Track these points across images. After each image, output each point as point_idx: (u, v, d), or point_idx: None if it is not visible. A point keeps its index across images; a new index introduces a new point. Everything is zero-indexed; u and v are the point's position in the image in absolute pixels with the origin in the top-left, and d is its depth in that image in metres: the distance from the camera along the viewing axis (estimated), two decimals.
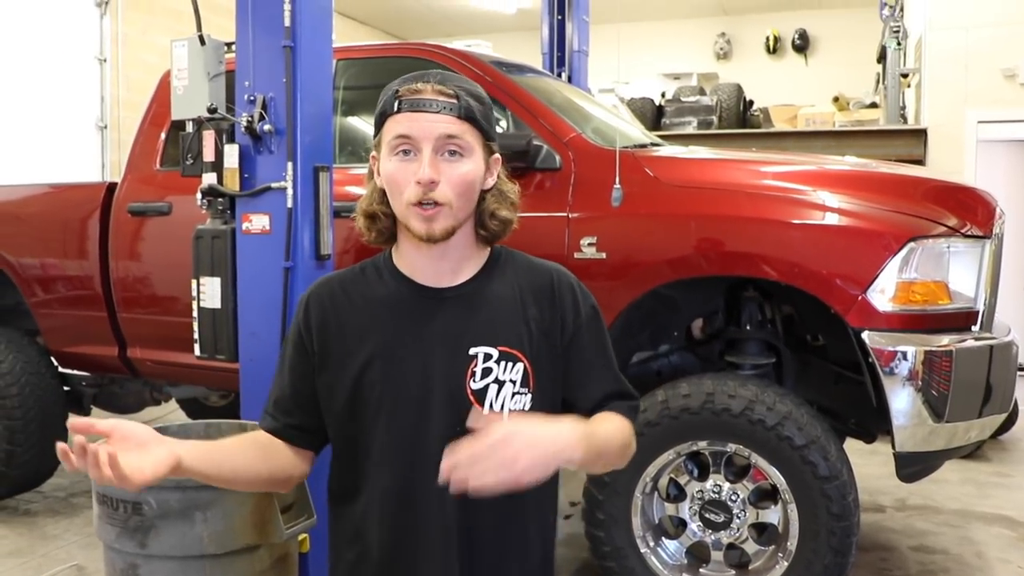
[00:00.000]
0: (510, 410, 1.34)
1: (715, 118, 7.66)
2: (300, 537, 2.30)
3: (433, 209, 1.28)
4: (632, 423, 1.41)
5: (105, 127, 7.09)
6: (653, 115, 7.82)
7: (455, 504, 1.30)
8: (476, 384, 1.32)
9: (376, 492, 1.34)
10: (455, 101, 1.30)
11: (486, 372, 1.33)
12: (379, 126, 1.34)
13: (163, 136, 3.64)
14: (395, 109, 1.30)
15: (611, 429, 1.34)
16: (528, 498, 1.33)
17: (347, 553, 1.38)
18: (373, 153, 1.37)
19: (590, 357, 1.41)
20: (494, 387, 1.33)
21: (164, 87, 3.53)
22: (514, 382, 1.34)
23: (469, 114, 1.32)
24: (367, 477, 1.35)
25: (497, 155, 1.39)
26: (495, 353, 1.34)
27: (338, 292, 1.39)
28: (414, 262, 1.37)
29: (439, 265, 1.36)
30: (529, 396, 1.35)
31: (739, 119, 7.81)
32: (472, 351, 1.33)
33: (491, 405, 1.33)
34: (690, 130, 7.46)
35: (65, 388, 4.10)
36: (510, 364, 1.34)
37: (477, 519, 1.33)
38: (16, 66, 6.36)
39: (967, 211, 2.64)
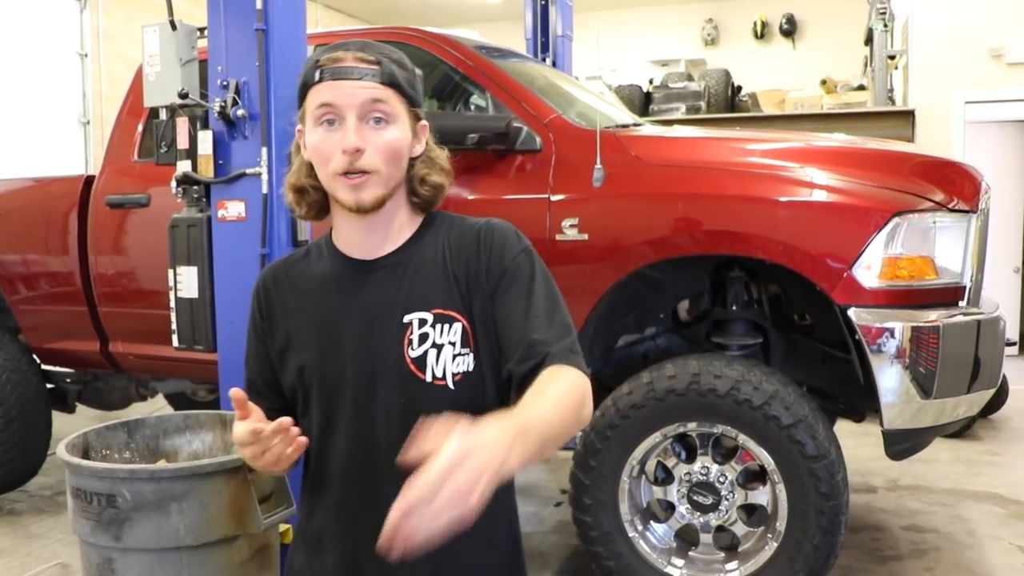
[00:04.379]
0: (453, 373, 1.28)
1: (703, 104, 7.64)
2: (282, 528, 2.26)
3: (360, 177, 1.25)
4: (575, 367, 1.21)
5: (88, 122, 7.03)
6: (641, 102, 7.80)
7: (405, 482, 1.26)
8: (414, 352, 1.27)
9: (325, 477, 1.31)
10: (377, 67, 1.27)
11: (423, 338, 1.28)
12: (302, 97, 1.30)
13: (140, 127, 3.59)
14: (316, 78, 1.26)
15: (549, 403, 1.10)
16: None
17: (306, 531, 1.36)
18: (299, 127, 1.33)
19: (516, 298, 1.27)
20: (433, 352, 1.27)
21: (141, 78, 3.49)
22: (453, 343, 1.28)
23: (392, 80, 1.28)
24: (315, 461, 1.33)
25: (424, 122, 1.35)
26: (430, 317, 1.28)
27: (282, 275, 1.39)
28: (348, 236, 1.34)
29: (371, 236, 1.32)
30: (472, 355, 1.28)
31: (727, 104, 7.79)
32: (406, 319, 1.28)
33: (433, 371, 1.27)
34: (678, 116, 7.44)
35: (49, 385, 4.06)
36: (447, 326, 1.28)
37: None
38: None
39: (953, 186, 2.60)
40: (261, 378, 1.41)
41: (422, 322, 1.28)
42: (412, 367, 1.27)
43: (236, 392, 1.19)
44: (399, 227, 1.34)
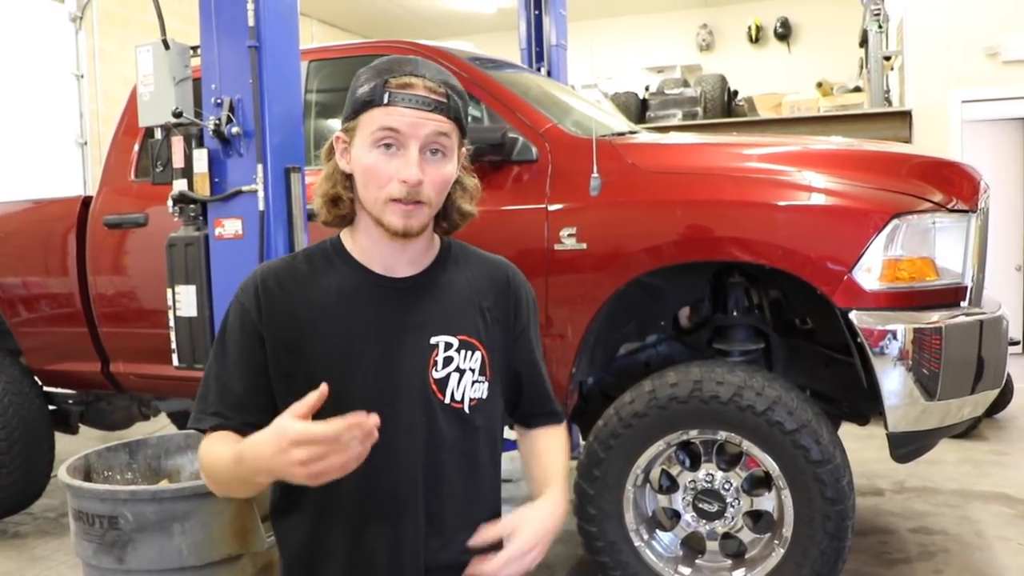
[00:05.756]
0: (471, 398, 1.32)
1: (700, 109, 7.64)
2: None
3: (415, 207, 1.26)
4: (562, 421, 1.53)
5: (85, 143, 7.04)
6: (638, 109, 7.80)
7: (421, 495, 1.28)
8: (438, 373, 1.31)
9: (337, 490, 1.29)
10: (446, 101, 1.27)
11: (447, 361, 1.31)
12: (358, 112, 1.28)
13: (136, 147, 3.59)
14: (384, 100, 1.25)
15: (563, 462, 1.44)
16: (484, 481, 1.37)
17: (302, 551, 1.33)
18: (339, 134, 1.32)
19: (533, 357, 1.45)
20: (455, 375, 1.32)
21: (135, 97, 3.49)
22: (473, 370, 1.33)
23: (456, 115, 1.29)
24: None
25: (464, 149, 1.36)
26: (455, 342, 1.32)
27: (286, 279, 1.32)
28: (373, 251, 1.33)
29: (400, 255, 1.33)
30: (487, 384, 1.35)
31: (724, 109, 7.79)
32: (433, 340, 1.31)
33: (452, 393, 1.31)
34: (675, 122, 7.44)
35: (51, 407, 4.05)
36: (469, 352, 1.33)
37: (442, 509, 1.31)
38: None
39: (952, 186, 2.60)
40: (246, 386, 1.28)
41: (447, 345, 1.32)
42: (434, 387, 1.30)
43: None
44: (424, 248, 1.36)
